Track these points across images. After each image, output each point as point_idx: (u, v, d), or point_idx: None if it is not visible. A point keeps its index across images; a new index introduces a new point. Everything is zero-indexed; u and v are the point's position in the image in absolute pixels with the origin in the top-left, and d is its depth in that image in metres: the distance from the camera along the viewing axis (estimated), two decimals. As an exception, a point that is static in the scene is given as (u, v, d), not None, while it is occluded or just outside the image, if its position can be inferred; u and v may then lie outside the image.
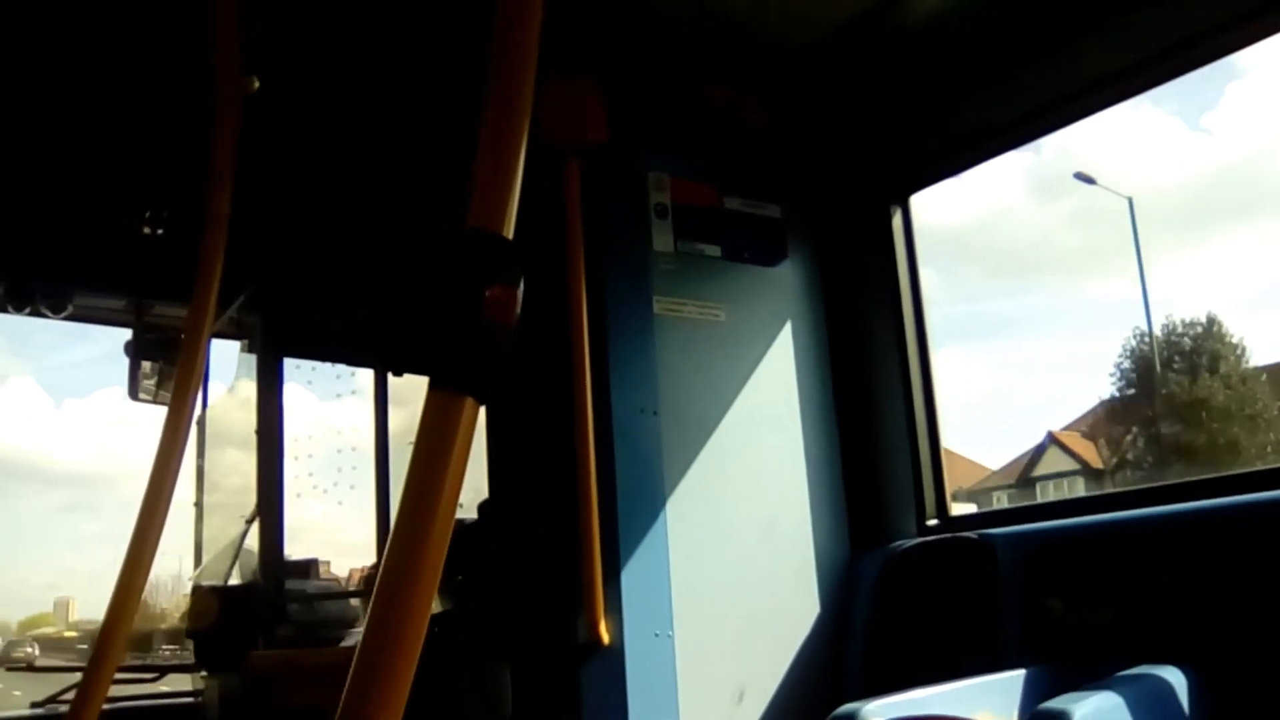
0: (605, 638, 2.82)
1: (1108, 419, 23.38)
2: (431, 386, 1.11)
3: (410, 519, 1.06)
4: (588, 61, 3.12)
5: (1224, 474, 2.81)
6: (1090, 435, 23.71)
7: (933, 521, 3.35)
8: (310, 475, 4.22)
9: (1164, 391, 21.37)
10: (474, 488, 3.52)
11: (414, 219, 3.50)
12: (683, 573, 2.97)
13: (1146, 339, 22.33)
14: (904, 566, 3.16)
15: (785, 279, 3.47)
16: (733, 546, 3.11)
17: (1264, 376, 21.16)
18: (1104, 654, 2.49)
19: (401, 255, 3.46)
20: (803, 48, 3.47)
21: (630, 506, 2.94)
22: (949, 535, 3.13)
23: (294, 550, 4.07)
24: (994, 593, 2.87)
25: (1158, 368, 21.75)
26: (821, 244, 3.58)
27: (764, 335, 3.38)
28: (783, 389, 3.37)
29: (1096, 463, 22.72)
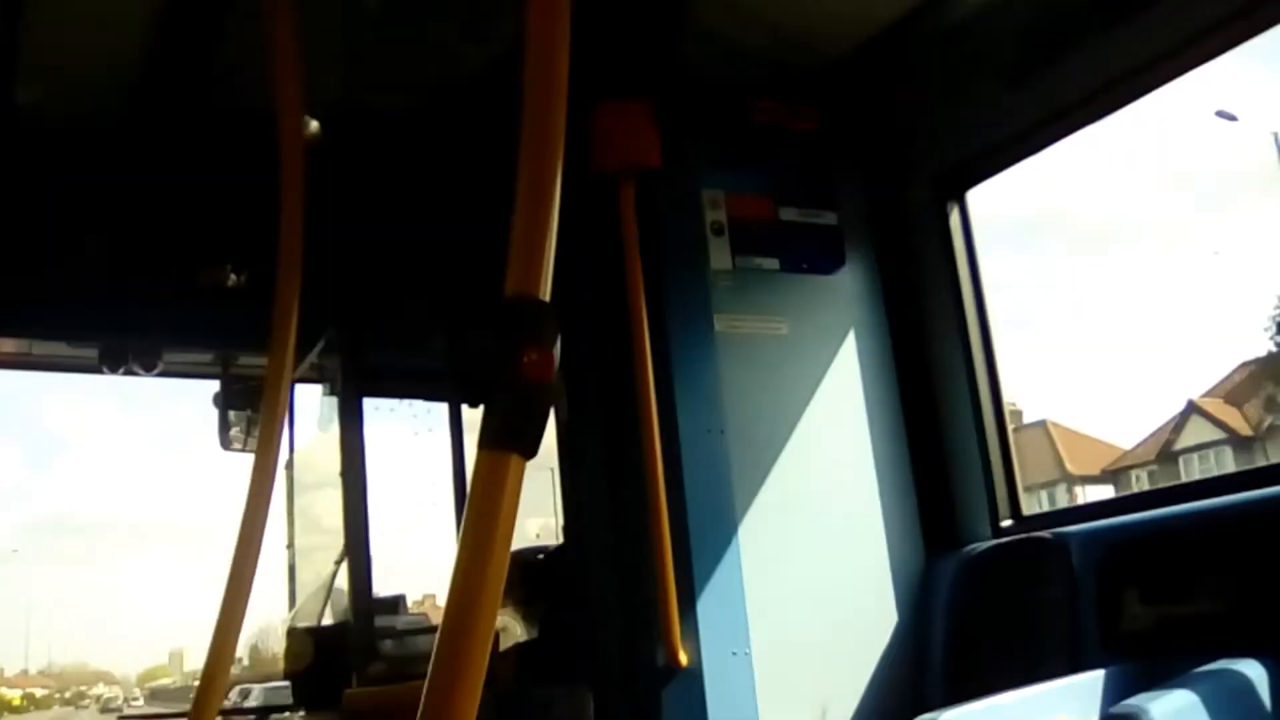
0: (683, 659, 2.87)
1: (1252, 381, 21.96)
2: (480, 445, 1.18)
3: (467, 568, 1.13)
4: (638, 85, 3.18)
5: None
6: (1233, 400, 22.30)
7: (1007, 522, 3.32)
8: (421, 515, 4.36)
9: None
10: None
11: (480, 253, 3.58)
12: (757, 590, 3.00)
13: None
14: (980, 569, 3.15)
15: (845, 286, 3.49)
16: (807, 560, 3.13)
17: None
18: (1184, 649, 2.45)
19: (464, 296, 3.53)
20: (849, 53, 3.49)
21: (702, 526, 2.98)
22: (1023, 535, 3.11)
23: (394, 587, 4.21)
24: (1070, 591, 2.84)
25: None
26: (880, 248, 3.59)
27: (827, 344, 3.40)
28: (849, 397, 3.38)
29: (1245, 429, 21.45)
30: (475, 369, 1.20)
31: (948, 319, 3.52)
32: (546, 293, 1.23)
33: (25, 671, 64.52)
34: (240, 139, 3.23)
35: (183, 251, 3.78)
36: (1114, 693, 2.35)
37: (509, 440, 1.16)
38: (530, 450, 1.18)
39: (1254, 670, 2.21)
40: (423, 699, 1.10)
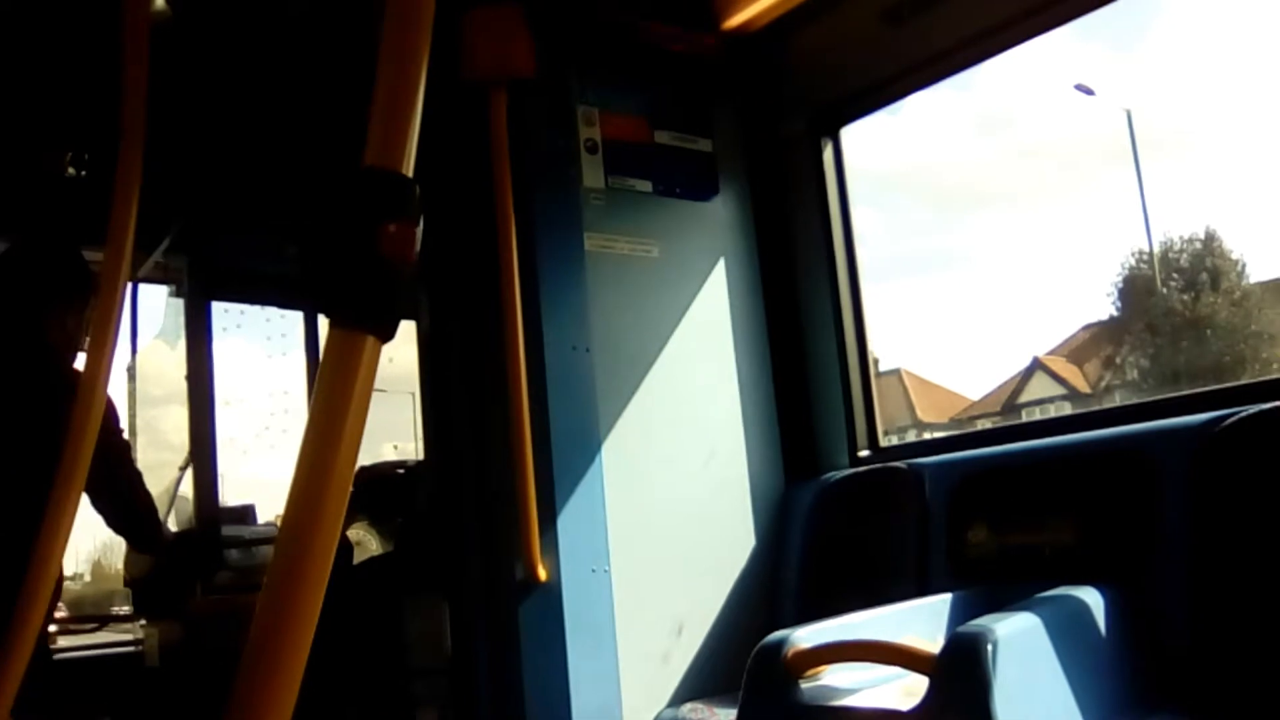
0: (542, 575, 2.84)
1: (1094, 342, 23.10)
2: (332, 325, 1.09)
3: (313, 457, 1.05)
4: None
5: (1146, 400, 2.89)
6: (1075, 359, 23.45)
7: (864, 452, 3.40)
8: (267, 429, 4.24)
9: (1162, 310, 20.93)
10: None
11: (334, 154, 3.42)
12: (619, 509, 2.99)
13: (1145, 257, 21.75)
14: (837, 496, 3.21)
15: (717, 213, 3.47)
16: (668, 481, 3.14)
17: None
18: (1027, 577, 2.55)
19: (317, 193, 3.39)
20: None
21: (564, 444, 2.94)
22: (879, 465, 3.18)
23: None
24: (922, 520, 2.92)
25: (1159, 285, 21.24)
26: (753, 178, 3.58)
27: (697, 270, 3.38)
28: (716, 324, 3.38)
29: (1084, 387, 22.56)
30: (329, 244, 1.10)
31: (817, 252, 3.55)
32: (409, 169, 1.14)
33: None
34: (83, 16, 3.01)
35: (19, 135, 3.51)
36: (960, 614, 2.42)
37: (363, 319, 1.08)
38: (386, 332, 1.10)
39: (1091, 597, 2.30)
40: (263, 590, 1.02)
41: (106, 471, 2.96)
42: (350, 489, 1.06)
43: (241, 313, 4.10)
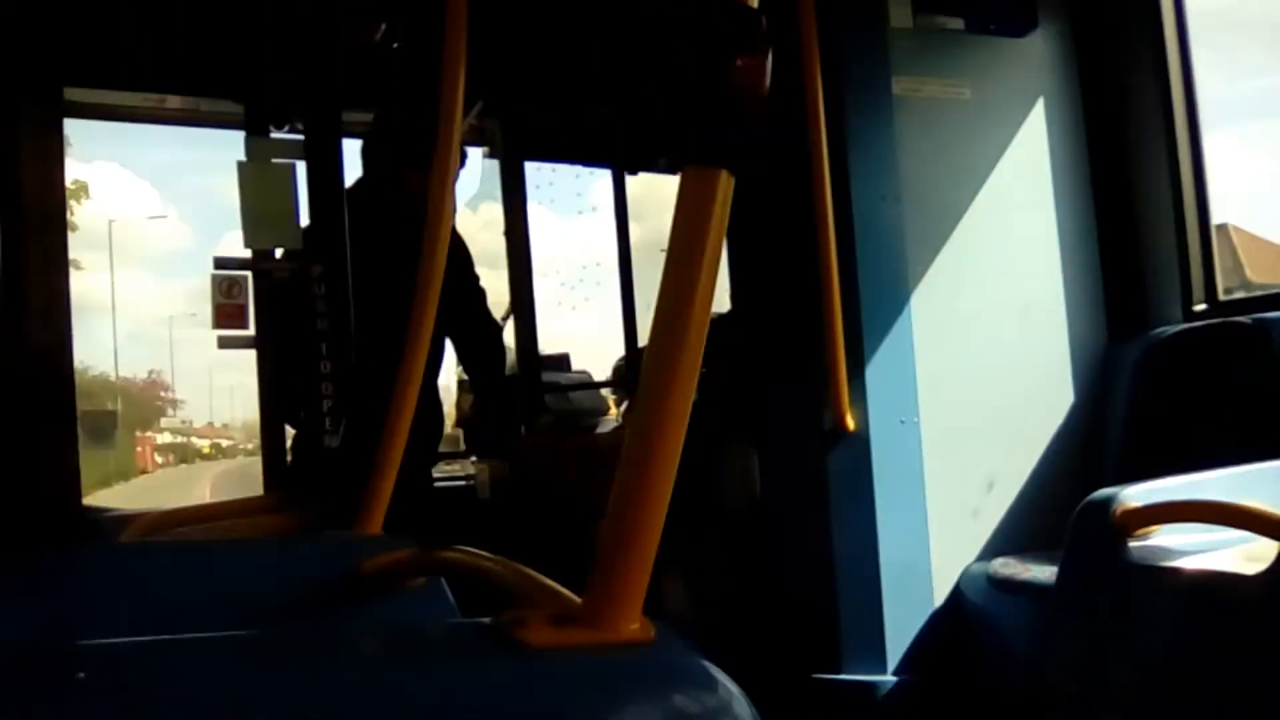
0: (850, 424, 2.85)
1: None
2: (685, 164, 1.11)
3: (674, 292, 1.07)
4: None
5: None
6: None
7: (1200, 307, 3.14)
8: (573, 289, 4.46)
9: None
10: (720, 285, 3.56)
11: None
12: (928, 361, 2.93)
13: None
14: (1169, 354, 2.99)
15: (1036, 51, 3.22)
16: (981, 334, 3.04)
17: None
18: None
19: (643, 39, 3.40)
20: None
21: (873, 295, 2.91)
22: (1219, 320, 2.93)
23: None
24: (1270, 380, 2.68)
25: None
26: (1076, 10, 3.29)
27: (1013, 113, 3.18)
28: (1034, 169, 3.18)
29: None
30: (679, 78, 1.11)
31: (1149, 90, 3.25)
32: (754, 0, 1.13)
33: (211, 424, 70.33)
34: None
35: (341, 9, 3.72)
36: (1314, 482, 2.22)
37: (717, 155, 1.08)
38: (738, 167, 1.10)
39: None
40: (634, 417, 1.07)
41: (465, 309, 3.45)
42: (708, 321, 1.08)
43: (554, 170, 4.26)
